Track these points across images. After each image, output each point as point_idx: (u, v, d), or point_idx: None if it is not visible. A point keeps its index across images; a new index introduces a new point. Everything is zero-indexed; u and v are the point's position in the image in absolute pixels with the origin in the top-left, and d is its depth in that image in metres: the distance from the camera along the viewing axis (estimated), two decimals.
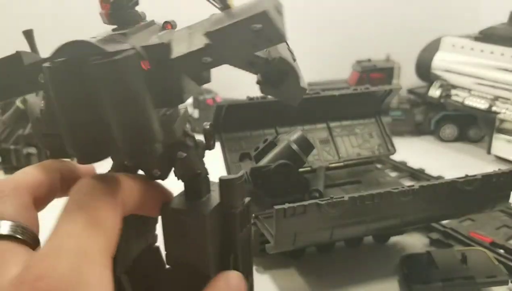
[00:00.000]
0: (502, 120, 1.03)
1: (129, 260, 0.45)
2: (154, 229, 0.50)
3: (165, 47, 0.35)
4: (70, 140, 0.35)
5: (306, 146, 0.70)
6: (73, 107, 0.34)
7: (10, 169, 1.05)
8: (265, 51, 0.37)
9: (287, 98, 0.39)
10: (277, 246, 0.54)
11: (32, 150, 1.04)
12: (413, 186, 0.57)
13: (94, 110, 0.34)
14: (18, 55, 0.38)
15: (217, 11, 0.35)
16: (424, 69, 1.23)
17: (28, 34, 0.41)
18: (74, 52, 0.33)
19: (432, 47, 1.22)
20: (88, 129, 0.35)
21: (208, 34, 0.33)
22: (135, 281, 0.46)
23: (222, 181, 0.42)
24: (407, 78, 1.27)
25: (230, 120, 0.77)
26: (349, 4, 1.38)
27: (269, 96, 0.78)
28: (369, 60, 1.27)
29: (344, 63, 1.29)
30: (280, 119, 0.82)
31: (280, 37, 0.33)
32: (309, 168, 0.80)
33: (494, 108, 1.06)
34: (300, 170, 0.73)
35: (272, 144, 0.70)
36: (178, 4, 1.02)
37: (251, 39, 0.33)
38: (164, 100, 0.35)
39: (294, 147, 0.69)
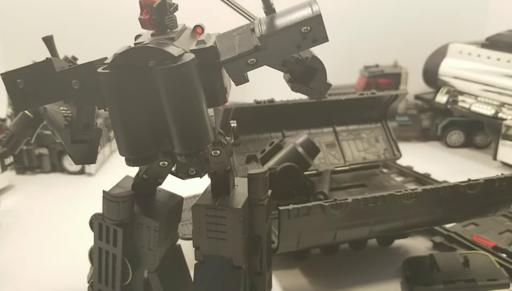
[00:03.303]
0: (508, 127, 1.03)
1: (158, 260, 0.47)
2: (177, 228, 0.51)
3: (215, 50, 0.37)
4: (122, 143, 0.37)
5: (312, 149, 0.72)
6: (129, 110, 0.35)
7: (23, 169, 1.07)
8: None
9: (314, 94, 0.41)
10: (281, 247, 0.55)
11: (44, 151, 1.06)
12: (416, 189, 0.58)
13: (151, 113, 0.35)
14: (49, 62, 0.38)
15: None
16: (431, 75, 1.24)
17: (49, 41, 0.42)
18: (136, 57, 0.35)
19: (439, 54, 1.23)
20: (143, 132, 0.36)
21: (261, 38, 0.36)
22: (163, 278, 0.48)
23: (251, 176, 0.44)
24: (414, 84, 1.28)
25: (237, 123, 0.78)
26: (357, 10, 1.39)
27: (277, 100, 0.81)
28: (377, 65, 1.28)
29: (352, 68, 1.30)
30: (287, 122, 0.83)
31: (325, 38, 0.36)
32: (315, 171, 0.81)
33: (500, 115, 1.06)
34: (306, 172, 0.74)
35: (278, 147, 0.71)
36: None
37: (297, 41, 0.36)
38: (210, 100, 0.37)
39: (300, 149, 0.70)
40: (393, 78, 1.25)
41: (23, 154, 1.06)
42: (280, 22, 0.36)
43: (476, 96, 1.13)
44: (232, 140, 0.44)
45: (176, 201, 0.50)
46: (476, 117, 1.12)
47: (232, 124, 0.45)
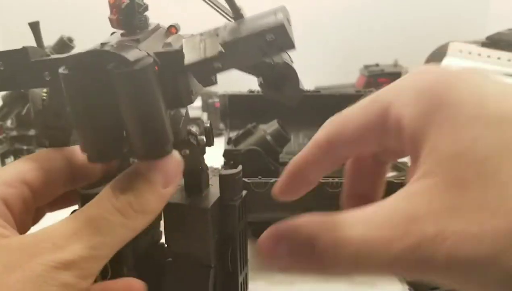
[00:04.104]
0: None
1: (134, 257, 0.47)
2: (158, 225, 0.51)
3: (179, 54, 0.36)
4: (84, 141, 0.36)
5: (280, 138, 0.75)
6: (89, 111, 0.35)
7: None
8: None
9: (287, 100, 0.40)
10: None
11: None
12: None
13: (109, 115, 0.35)
14: (24, 51, 0.39)
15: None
16: None
17: (34, 27, 0.42)
18: (94, 60, 0.34)
19: (440, 53, 1.22)
20: (102, 133, 0.36)
21: (224, 44, 0.35)
22: (142, 277, 0.48)
23: (222, 176, 0.44)
24: None
25: (234, 111, 0.80)
26: (357, 10, 1.39)
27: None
28: (377, 65, 1.28)
29: (352, 67, 1.30)
30: (282, 113, 0.84)
31: (290, 46, 0.36)
32: None
33: None
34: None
35: (249, 132, 0.75)
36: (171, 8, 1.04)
37: (263, 48, 0.35)
38: (174, 101, 0.37)
39: (269, 138, 0.73)
40: (393, 77, 1.24)
41: (24, 154, 1.06)
42: (244, 29, 0.36)
43: None
44: (205, 140, 0.44)
45: None
46: None
47: (205, 125, 0.45)
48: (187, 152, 0.42)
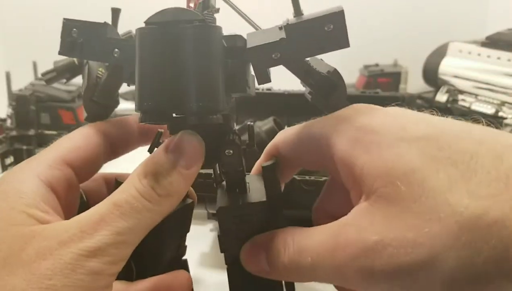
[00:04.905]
0: (508, 126, 1.03)
1: (158, 269, 0.45)
2: (185, 240, 0.49)
3: (243, 38, 0.38)
4: (142, 98, 0.37)
5: (274, 135, 0.75)
6: (158, 62, 0.36)
7: None
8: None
9: (330, 109, 0.40)
10: None
11: None
12: None
13: (173, 69, 0.36)
14: (105, 26, 0.41)
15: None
16: (431, 74, 1.24)
17: (115, 12, 0.45)
18: (172, 15, 0.36)
19: (439, 53, 1.23)
20: (164, 86, 0.37)
21: (286, 27, 0.36)
22: None
23: (265, 168, 0.43)
24: (414, 83, 1.28)
25: (238, 107, 0.82)
26: (357, 9, 1.39)
27: (277, 89, 0.82)
28: (377, 65, 1.28)
29: (351, 67, 1.30)
30: (287, 111, 0.85)
31: (345, 43, 0.37)
32: None
33: (500, 114, 1.06)
34: None
35: (245, 129, 0.76)
36: None
37: (321, 40, 0.36)
38: (230, 85, 0.38)
39: (263, 135, 0.74)
40: (393, 77, 1.25)
41: (23, 154, 1.06)
42: (306, 17, 0.37)
43: (476, 95, 1.13)
44: (247, 141, 0.44)
45: (182, 205, 0.45)
46: (476, 116, 1.11)
47: (248, 123, 0.45)
48: (231, 152, 0.41)
